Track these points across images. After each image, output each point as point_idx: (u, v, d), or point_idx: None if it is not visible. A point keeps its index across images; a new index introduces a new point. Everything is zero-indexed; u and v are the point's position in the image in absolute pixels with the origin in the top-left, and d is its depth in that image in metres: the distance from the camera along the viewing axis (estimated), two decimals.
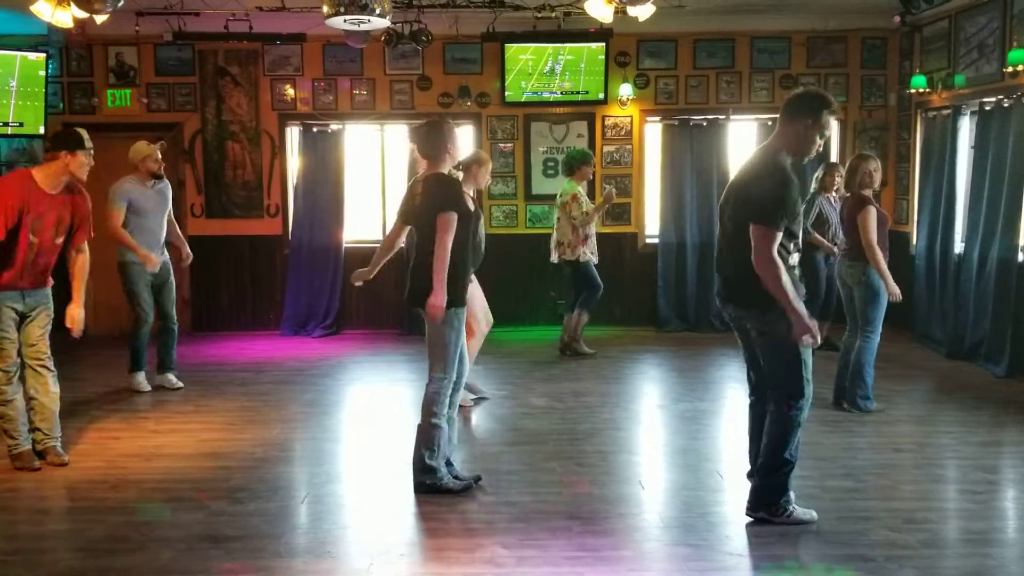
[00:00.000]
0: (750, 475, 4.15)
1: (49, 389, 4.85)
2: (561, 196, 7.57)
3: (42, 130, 8.25)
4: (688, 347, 8.24)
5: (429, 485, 4.35)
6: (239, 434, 5.53)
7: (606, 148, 9.00)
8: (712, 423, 5.89)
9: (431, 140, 4.46)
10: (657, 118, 9.02)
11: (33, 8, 6.31)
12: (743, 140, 9.11)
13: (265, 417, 5.92)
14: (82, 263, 4.92)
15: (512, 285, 8.65)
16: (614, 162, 9.02)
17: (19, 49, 8.14)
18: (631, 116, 8.99)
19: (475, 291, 5.57)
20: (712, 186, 8.93)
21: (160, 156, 6.57)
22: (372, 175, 9.18)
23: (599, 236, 7.82)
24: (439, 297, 4.19)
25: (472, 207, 4.48)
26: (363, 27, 6.55)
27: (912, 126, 8.59)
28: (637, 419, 6.10)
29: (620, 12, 6.60)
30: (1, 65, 7.94)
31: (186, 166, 8.91)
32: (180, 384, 6.69)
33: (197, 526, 4.05)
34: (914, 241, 8.41)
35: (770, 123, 8.93)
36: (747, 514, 4.06)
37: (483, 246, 5.06)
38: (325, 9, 6.25)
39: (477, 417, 6.15)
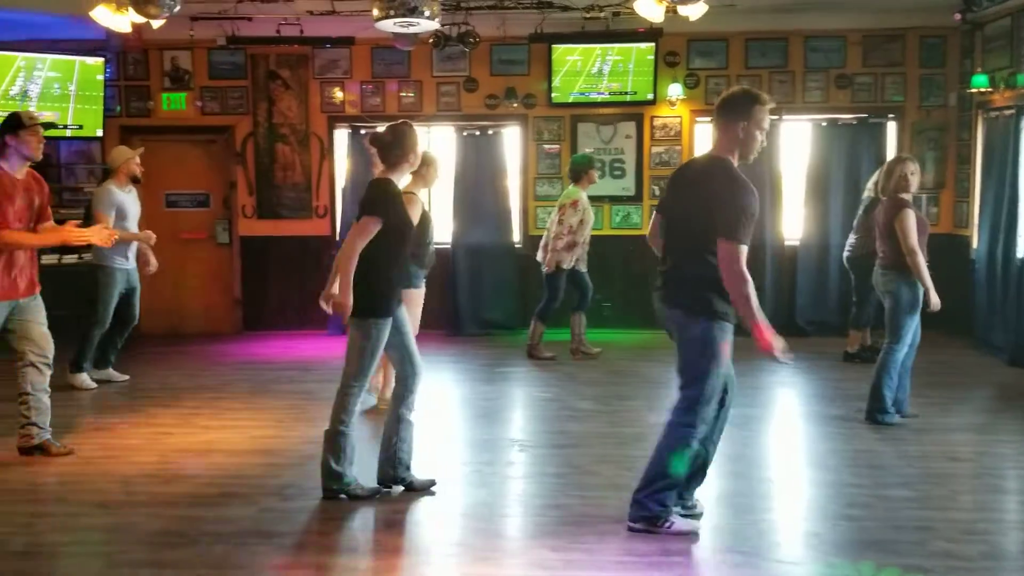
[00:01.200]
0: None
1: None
2: (561, 199, 7.56)
3: (100, 133, 8.45)
4: (738, 352, 8.02)
5: (335, 491, 4.28)
6: (288, 431, 5.58)
7: (654, 149, 8.93)
8: (762, 429, 5.79)
9: (392, 147, 4.32)
10: (707, 118, 8.90)
11: (92, 13, 6.47)
12: (797, 141, 8.97)
13: (312, 415, 5.94)
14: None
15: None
16: (663, 163, 8.94)
17: (78, 54, 8.34)
18: (680, 116, 8.90)
19: (415, 298, 5.62)
20: (764, 187, 8.79)
21: (139, 160, 6.68)
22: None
23: (642, 239, 7.73)
24: (344, 296, 4.13)
25: (416, 217, 4.42)
26: (412, 29, 6.59)
27: (972, 126, 8.37)
28: None
29: (671, 12, 6.55)
30: (61, 69, 8.14)
31: (238, 168, 9.04)
32: (125, 376, 6.81)
33: (248, 521, 4.09)
34: (974, 244, 8.19)
35: (824, 123, 8.80)
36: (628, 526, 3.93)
37: (431, 251, 5.24)
38: (375, 12, 6.30)
39: (522, 419, 6.14)
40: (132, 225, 6.60)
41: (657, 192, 8.55)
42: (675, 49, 8.77)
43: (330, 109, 8.98)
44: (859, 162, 8.75)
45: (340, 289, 4.14)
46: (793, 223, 8.99)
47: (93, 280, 6.53)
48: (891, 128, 8.86)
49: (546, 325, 7.65)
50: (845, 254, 7.64)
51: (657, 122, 8.92)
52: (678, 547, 3.85)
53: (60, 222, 8.01)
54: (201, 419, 5.87)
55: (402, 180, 4.40)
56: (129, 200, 6.61)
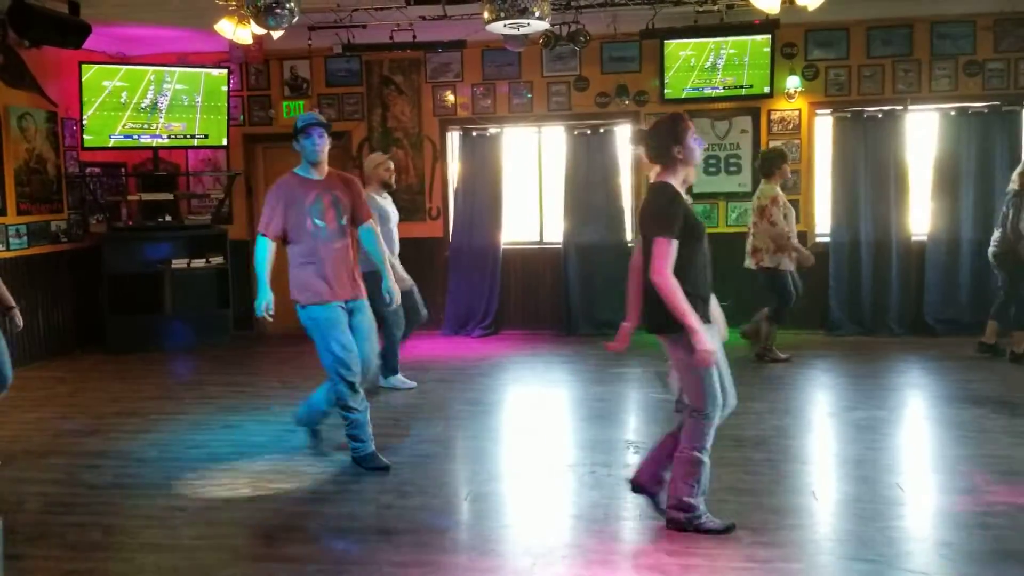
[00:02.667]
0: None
1: None
2: (759, 199, 7.24)
3: (225, 142, 8.80)
4: (863, 352, 7.81)
5: (682, 523, 3.93)
6: (405, 430, 5.67)
7: (772, 143, 8.65)
8: (891, 432, 5.53)
9: (654, 141, 3.92)
10: (827, 111, 8.61)
11: (216, 27, 6.75)
12: (923, 131, 8.55)
13: (428, 414, 6.05)
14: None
15: None
16: None
17: (203, 66, 8.73)
18: (799, 109, 8.62)
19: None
20: (889, 180, 8.45)
21: (392, 166, 6.76)
22: (530, 177, 9.25)
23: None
24: (697, 341, 3.75)
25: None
26: (522, 31, 6.58)
27: None
28: (808, 427, 5.81)
29: (788, 2, 6.34)
30: (188, 82, 8.54)
31: (354, 173, 9.25)
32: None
33: (367, 518, 4.17)
34: None
35: (953, 113, 8.35)
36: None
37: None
38: (485, 15, 6.33)
39: (637, 420, 6.05)
40: (395, 229, 6.64)
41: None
42: (792, 40, 8.50)
43: (442, 112, 9.11)
44: (991, 152, 8.29)
45: (690, 331, 3.66)
46: (920, 217, 8.58)
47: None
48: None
49: (780, 326, 7.47)
50: (991, 250, 7.23)
51: (775, 116, 8.66)
52: (798, 553, 3.71)
53: (185, 228, 8.43)
54: None
55: (678, 178, 3.92)
56: (387, 205, 6.65)
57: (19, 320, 5.26)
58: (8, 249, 7.71)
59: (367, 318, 4.88)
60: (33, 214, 8.03)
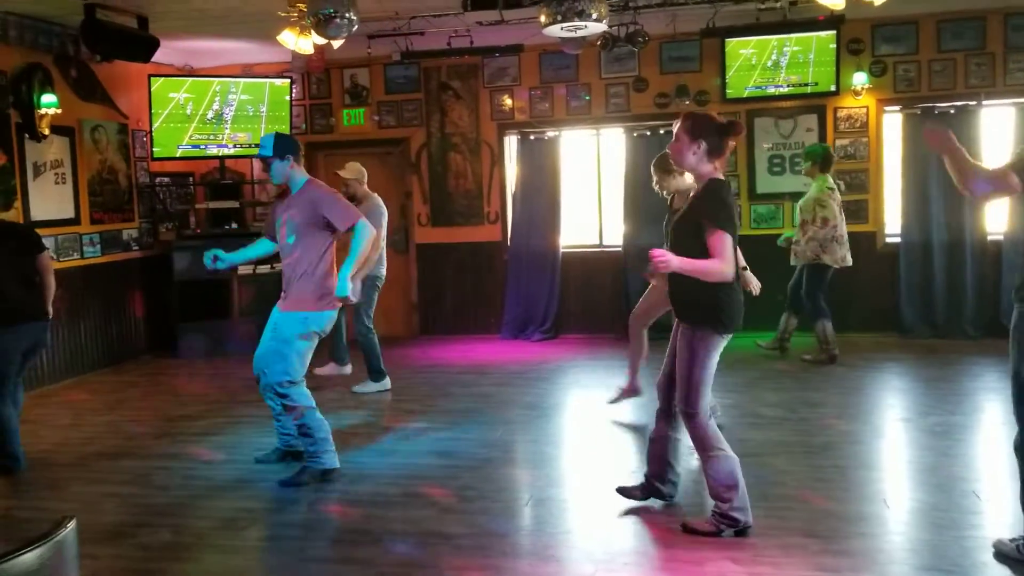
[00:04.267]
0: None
1: None
2: (822, 192, 7.22)
3: None
4: (936, 356, 7.57)
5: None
6: (464, 434, 5.68)
7: (839, 142, 8.47)
8: (966, 439, 5.34)
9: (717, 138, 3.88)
10: (896, 107, 8.38)
11: (279, 38, 6.87)
12: (999, 127, 8.26)
13: (488, 418, 6.04)
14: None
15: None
16: (848, 156, 8.48)
17: (267, 77, 8.90)
18: (867, 106, 8.41)
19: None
20: None
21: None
22: (588, 180, 9.20)
23: None
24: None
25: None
26: (579, 33, 6.56)
27: None
28: (878, 432, 5.64)
29: None
30: (252, 92, 8.71)
31: (413, 178, 9.34)
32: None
33: (428, 521, 4.18)
34: None
35: None
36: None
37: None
38: (542, 19, 6.32)
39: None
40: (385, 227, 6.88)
41: (843, 187, 8.09)
42: (859, 36, 8.30)
43: (500, 116, 9.12)
44: None
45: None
46: (996, 216, 8.28)
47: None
48: None
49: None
50: None
51: (841, 113, 8.47)
52: (869, 563, 3.60)
53: (251, 235, 8.53)
54: (383, 420, 6.08)
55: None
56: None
57: None
58: (82, 257, 7.96)
59: (272, 324, 4.89)
60: (106, 223, 8.28)
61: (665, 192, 5.62)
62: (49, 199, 7.58)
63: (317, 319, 4.78)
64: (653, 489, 4.24)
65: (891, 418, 6.10)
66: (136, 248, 8.70)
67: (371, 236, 4.83)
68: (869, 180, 8.47)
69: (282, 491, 4.68)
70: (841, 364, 7.24)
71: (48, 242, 7.49)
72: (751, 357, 7.61)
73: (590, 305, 9.08)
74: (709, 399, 3.94)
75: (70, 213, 7.83)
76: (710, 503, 3.97)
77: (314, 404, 4.83)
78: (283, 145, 4.84)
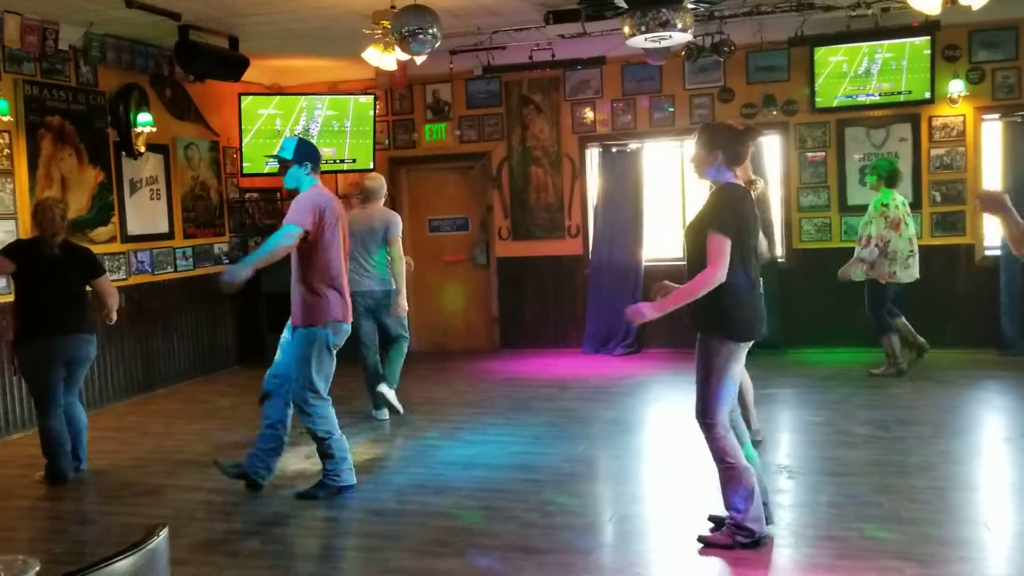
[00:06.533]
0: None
1: None
2: (893, 208, 7.02)
3: (372, 165, 9.09)
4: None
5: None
6: (547, 448, 5.63)
7: (934, 152, 8.16)
8: None
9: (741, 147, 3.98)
10: (995, 115, 8.03)
11: (364, 55, 6.99)
12: None
13: (570, 433, 5.99)
14: None
15: (825, 302, 8.10)
16: (944, 166, 8.16)
17: (352, 93, 9.07)
18: (963, 115, 8.08)
19: None
20: None
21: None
22: (672, 192, 9.07)
23: (925, 249, 7.11)
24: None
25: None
26: (664, 44, 6.48)
27: None
28: (978, 452, 5.38)
29: (949, 3, 5.96)
30: (337, 108, 8.88)
31: (494, 192, 9.38)
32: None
33: (510, 536, 4.14)
34: None
35: None
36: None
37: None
38: (626, 30, 6.27)
39: (790, 443, 5.78)
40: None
41: (939, 199, 7.82)
42: (955, 42, 7.99)
43: (581, 129, 9.08)
44: None
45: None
46: None
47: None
48: None
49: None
50: None
51: (936, 122, 8.16)
52: None
53: None
54: (464, 433, 6.08)
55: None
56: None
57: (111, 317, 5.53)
58: (176, 270, 8.22)
59: (288, 342, 4.88)
60: (198, 237, 8.55)
61: None
62: (144, 214, 7.87)
63: (322, 334, 4.70)
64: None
65: (991, 438, 5.82)
66: (226, 261, 8.94)
67: (284, 242, 4.62)
68: (966, 191, 8.13)
69: (367, 501, 4.71)
70: (938, 381, 6.95)
71: (143, 256, 7.81)
72: (840, 373, 7.37)
73: (674, 319, 8.85)
74: (727, 410, 3.88)
75: (164, 228, 8.11)
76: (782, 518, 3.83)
77: (332, 433, 4.75)
78: (304, 151, 4.81)
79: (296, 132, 8.74)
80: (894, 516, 4.19)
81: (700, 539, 3.93)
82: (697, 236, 3.84)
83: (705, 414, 3.85)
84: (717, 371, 3.81)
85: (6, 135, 6.47)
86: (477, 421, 6.42)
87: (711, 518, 4.10)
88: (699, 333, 3.92)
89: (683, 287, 3.80)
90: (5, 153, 6.48)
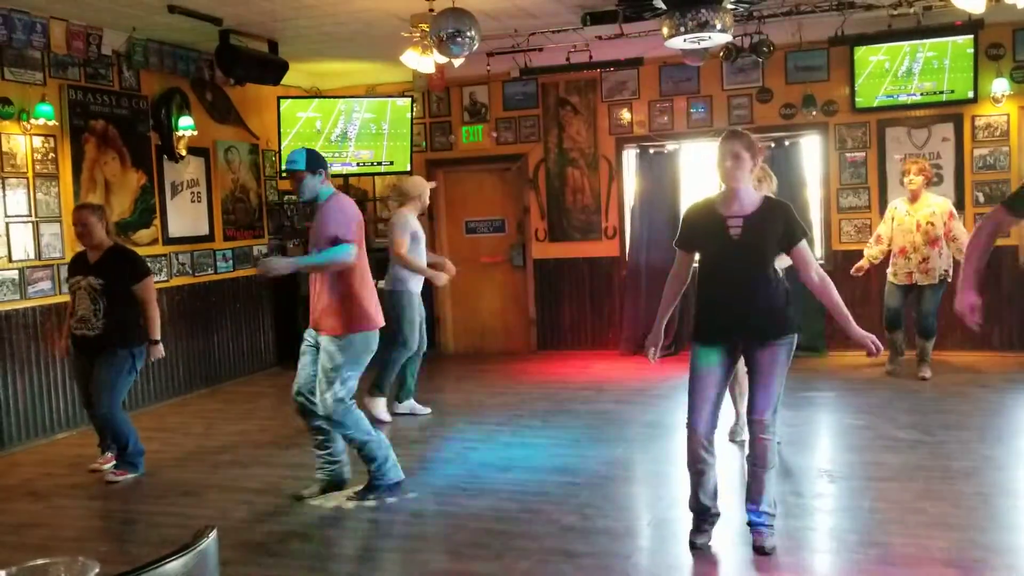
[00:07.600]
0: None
1: None
2: (939, 208, 7.06)
3: (408, 167, 9.15)
4: None
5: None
6: (584, 451, 5.62)
7: (977, 152, 8.02)
8: None
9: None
10: None
11: (402, 58, 7.03)
12: None
13: (608, 436, 5.97)
14: None
15: (865, 304, 7.99)
16: (987, 167, 8.01)
17: (389, 96, 9.13)
18: (1007, 114, 7.93)
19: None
20: None
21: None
22: (710, 193, 8.99)
23: None
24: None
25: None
26: (703, 44, 6.45)
27: None
28: (1023, 458, 5.29)
29: (993, 0, 5.87)
30: (375, 111, 8.94)
31: (530, 193, 9.38)
32: (428, 409, 6.76)
33: (549, 539, 4.14)
34: None
35: None
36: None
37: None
38: (664, 31, 6.24)
39: (831, 447, 5.72)
40: (423, 249, 6.70)
41: (982, 199, 7.68)
42: (999, 40, 7.85)
43: (618, 131, 9.06)
44: None
45: None
46: None
47: (391, 304, 6.50)
48: None
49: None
50: None
51: (979, 122, 8.02)
52: None
53: (374, 251, 8.72)
54: (502, 435, 6.09)
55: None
56: (419, 226, 6.72)
57: (158, 353, 5.51)
58: (216, 272, 8.34)
59: (318, 353, 4.83)
60: (237, 240, 8.66)
61: None
62: (186, 217, 7.99)
63: (357, 341, 4.70)
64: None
65: None
66: (265, 252, 9.04)
67: (345, 260, 4.61)
68: (1009, 191, 7.97)
69: (406, 503, 4.73)
70: (982, 385, 6.83)
71: (184, 258, 7.93)
72: (882, 377, 7.27)
73: None
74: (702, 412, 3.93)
75: (205, 230, 8.23)
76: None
77: (371, 434, 4.76)
78: (315, 160, 4.79)
79: (334, 136, 8.82)
80: (939, 522, 4.12)
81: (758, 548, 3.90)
82: (767, 242, 3.99)
83: (773, 413, 3.96)
84: (690, 371, 3.95)
85: (51, 139, 6.61)
86: (515, 423, 6.42)
87: (750, 523, 4.07)
88: (771, 339, 3.97)
89: (839, 301, 4.05)
90: (50, 157, 6.61)
